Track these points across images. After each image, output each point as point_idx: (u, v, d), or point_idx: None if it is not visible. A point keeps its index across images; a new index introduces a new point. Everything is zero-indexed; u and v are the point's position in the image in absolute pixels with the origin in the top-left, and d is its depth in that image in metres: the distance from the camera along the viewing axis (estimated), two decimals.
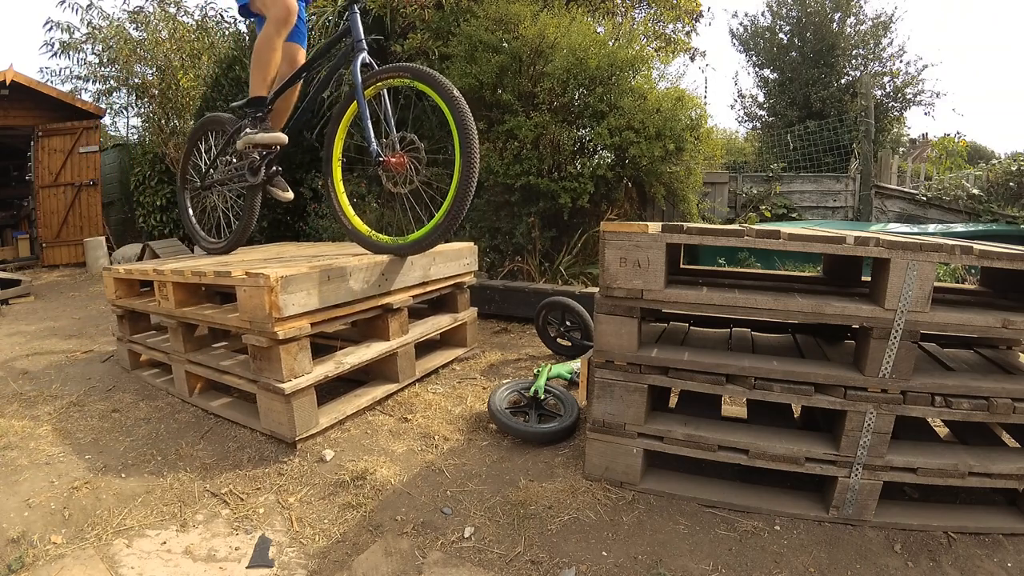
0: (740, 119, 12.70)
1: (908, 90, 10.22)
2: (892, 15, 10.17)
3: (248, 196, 2.80)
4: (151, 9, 7.94)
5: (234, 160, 2.83)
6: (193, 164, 3.16)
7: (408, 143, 2.20)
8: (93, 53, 8.02)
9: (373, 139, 2.18)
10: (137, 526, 1.60)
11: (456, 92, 2.06)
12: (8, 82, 7.18)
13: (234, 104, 2.78)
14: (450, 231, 2.16)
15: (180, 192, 3.22)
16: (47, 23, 7.83)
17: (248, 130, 2.54)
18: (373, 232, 2.41)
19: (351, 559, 1.46)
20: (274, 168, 2.68)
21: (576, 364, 2.58)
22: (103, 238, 7.46)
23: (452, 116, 2.05)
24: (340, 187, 2.47)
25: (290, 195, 2.77)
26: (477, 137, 2.06)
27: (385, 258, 2.39)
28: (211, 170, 2.99)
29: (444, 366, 2.86)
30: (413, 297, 2.55)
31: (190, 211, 3.22)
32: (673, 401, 2.12)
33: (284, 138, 2.51)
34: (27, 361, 3.23)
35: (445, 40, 4.52)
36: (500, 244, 4.41)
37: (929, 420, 1.85)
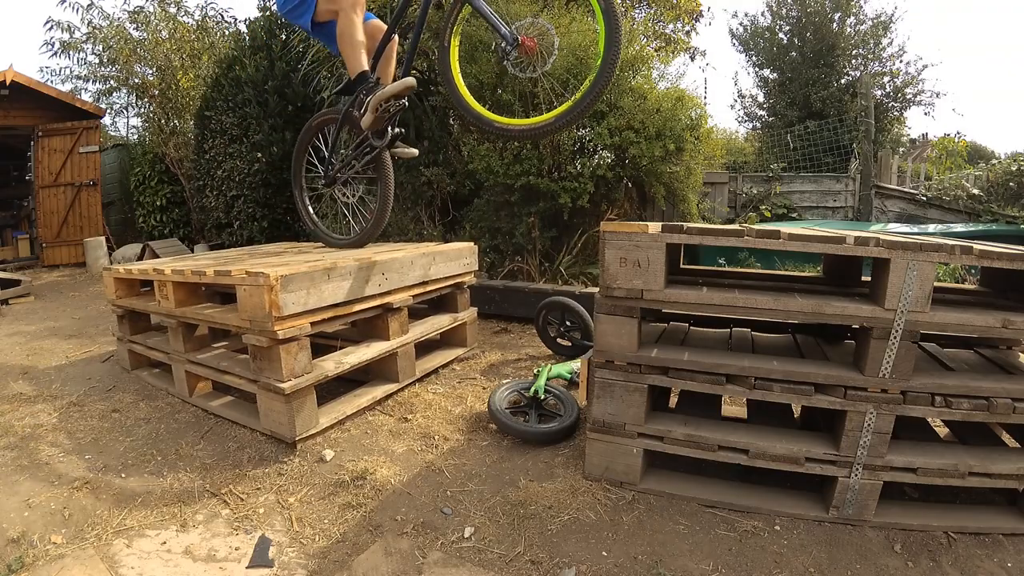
0: (740, 119, 12.72)
1: (908, 90, 10.23)
2: (892, 15, 10.18)
3: (378, 166, 2.64)
4: (151, 9, 7.94)
5: (351, 146, 2.75)
6: (308, 166, 3.09)
7: (534, 29, 2.10)
8: (93, 53, 8.02)
9: (501, 24, 2.05)
10: (137, 526, 1.60)
11: None
12: (8, 82, 7.18)
13: (338, 89, 2.74)
14: (594, 103, 1.95)
15: (298, 191, 3.15)
16: (47, 22, 7.83)
17: (369, 96, 2.46)
18: (494, 115, 2.20)
19: (351, 559, 1.46)
20: (398, 129, 2.61)
21: (576, 364, 2.58)
22: (103, 238, 7.46)
23: None
24: (456, 67, 2.28)
25: (414, 151, 2.76)
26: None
27: (385, 257, 2.39)
28: (332, 163, 2.88)
29: (444, 366, 2.86)
30: (413, 297, 2.55)
31: (310, 209, 3.14)
32: (673, 401, 2.12)
33: (413, 81, 2.35)
34: (27, 361, 3.23)
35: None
36: (500, 244, 4.40)
37: (929, 420, 1.85)
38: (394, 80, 2.61)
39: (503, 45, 2.05)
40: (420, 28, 2.40)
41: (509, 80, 4.23)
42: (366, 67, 2.49)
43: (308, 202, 3.15)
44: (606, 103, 4.07)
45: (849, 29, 10.35)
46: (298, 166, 3.08)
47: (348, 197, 2.97)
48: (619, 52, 1.88)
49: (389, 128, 2.56)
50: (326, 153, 2.90)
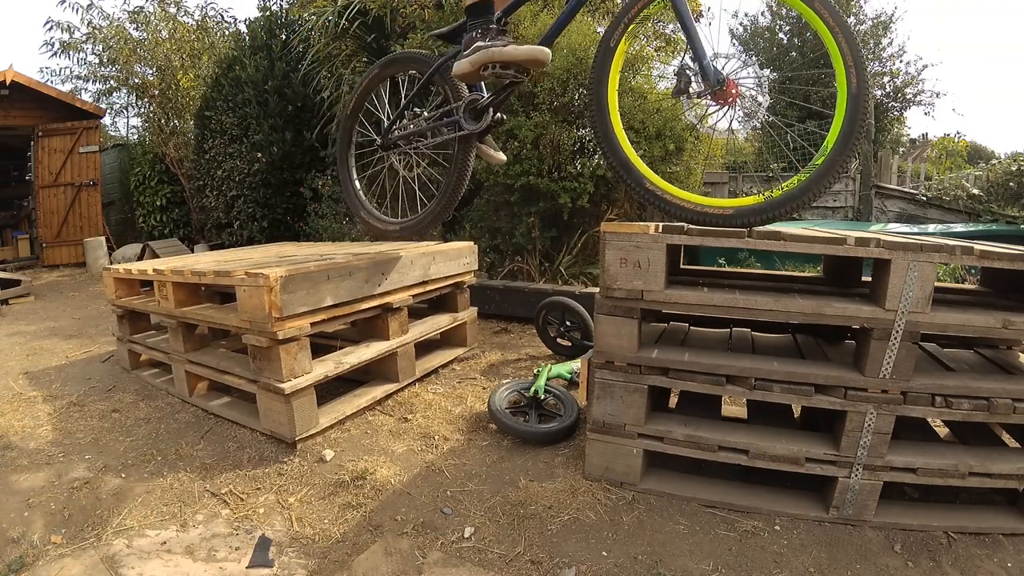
0: (739, 119, 12.70)
1: (908, 90, 10.25)
2: (892, 15, 10.19)
3: (458, 153, 2.09)
4: (151, 9, 7.95)
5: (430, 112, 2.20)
6: (361, 122, 2.51)
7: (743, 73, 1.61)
8: (93, 53, 8.04)
9: (707, 55, 1.55)
10: (137, 526, 1.60)
11: None
12: (8, 82, 7.18)
13: (438, 31, 2.09)
14: (826, 188, 1.53)
15: (342, 155, 2.53)
16: (47, 23, 7.85)
17: (482, 43, 1.76)
18: (695, 196, 1.65)
19: (351, 559, 1.46)
20: (499, 115, 2.03)
21: (576, 364, 2.58)
22: (103, 238, 7.46)
23: (827, 24, 1.46)
24: (620, 130, 1.76)
25: (503, 157, 2.17)
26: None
27: (385, 257, 2.39)
28: (396, 123, 2.32)
29: (444, 366, 2.86)
30: (413, 297, 2.55)
31: (355, 181, 2.53)
32: (673, 401, 2.12)
33: (549, 54, 1.74)
34: (27, 361, 3.23)
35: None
36: (500, 244, 4.40)
37: (929, 420, 1.85)
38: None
39: (694, 79, 1.57)
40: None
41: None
42: None
43: (355, 175, 2.52)
44: None
45: None
46: (349, 126, 2.50)
47: (404, 169, 2.42)
48: (852, 156, 1.48)
49: (490, 110, 1.99)
50: (387, 115, 2.37)
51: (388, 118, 2.36)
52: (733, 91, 1.56)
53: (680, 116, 4.14)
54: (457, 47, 1.97)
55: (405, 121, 2.29)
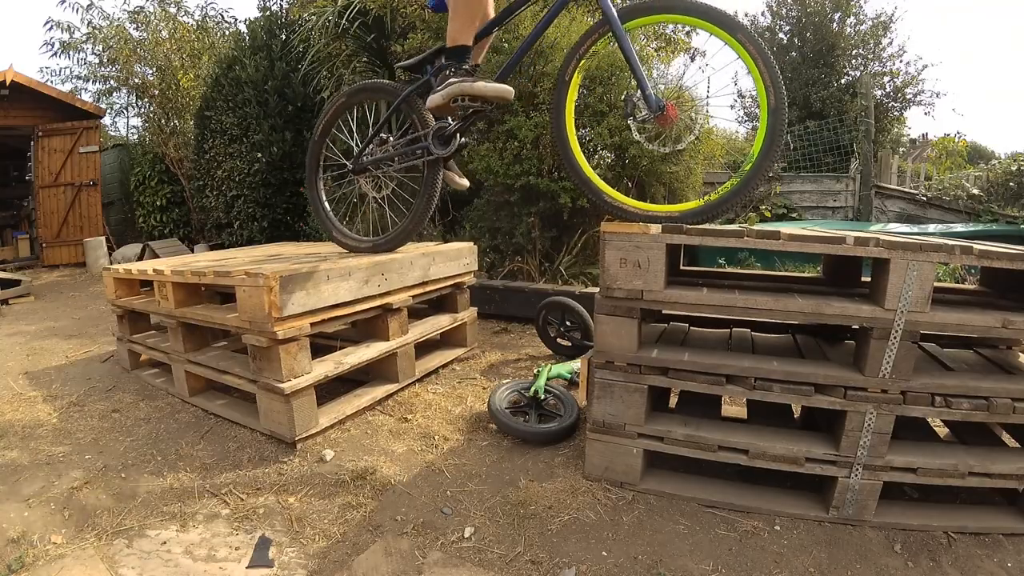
0: (740, 119, 12.71)
1: (908, 90, 10.24)
2: (892, 15, 10.18)
3: (427, 176, 2.27)
4: (151, 9, 7.95)
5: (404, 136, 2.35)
6: (329, 147, 2.66)
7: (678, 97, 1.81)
8: (93, 53, 8.05)
9: (648, 85, 1.76)
10: (137, 526, 1.60)
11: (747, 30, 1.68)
12: (8, 82, 7.18)
13: (405, 63, 2.30)
14: (754, 191, 1.71)
15: (311, 179, 2.67)
16: (47, 23, 7.85)
17: (454, 79, 1.99)
18: (645, 204, 1.87)
19: (351, 559, 1.46)
20: (464, 139, 2.24)
21: (576, 364, 2.58)
22: (103, 238, 7.46)
23: (749, 52, 1.64)
24: (579, 152, 1.94)
25: (466, 182, 2.39)
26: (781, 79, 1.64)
27: (385, 258, 2.39)
28: (367, 149, 2.48)
29: (444, 366, 2.86)
30: (413, 297, 2.55)
31: (325, 203, 2.66)
32: (673, 401, 2.12)
33: (511, 91, 1.98)
34: (27, 361, 3.23)
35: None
36: (500, 244, 4.40)
37: (929, 420, 1.85)
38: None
39: (640, 106, 1.78)
40: (537, 35, 2.10)
41: (509, 80, 4.22)
42: (471, 43, 2.07)
43: (324, 197, 2.68)
44: (606, 103, 4.07)
45: (849, 29, 10.36)
46: (317, 150, 2.64)
47: (372, 189, 2.58)
48: (774, 162, 1.65)
49: (456, 136, 2.21)
50: (356, 142, 2.52)
51: (357, 145, 2.53)
52: (672, 114, 1.77)
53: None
54: (421, 77, 2.22)
55: (374, 147, 2.46)
